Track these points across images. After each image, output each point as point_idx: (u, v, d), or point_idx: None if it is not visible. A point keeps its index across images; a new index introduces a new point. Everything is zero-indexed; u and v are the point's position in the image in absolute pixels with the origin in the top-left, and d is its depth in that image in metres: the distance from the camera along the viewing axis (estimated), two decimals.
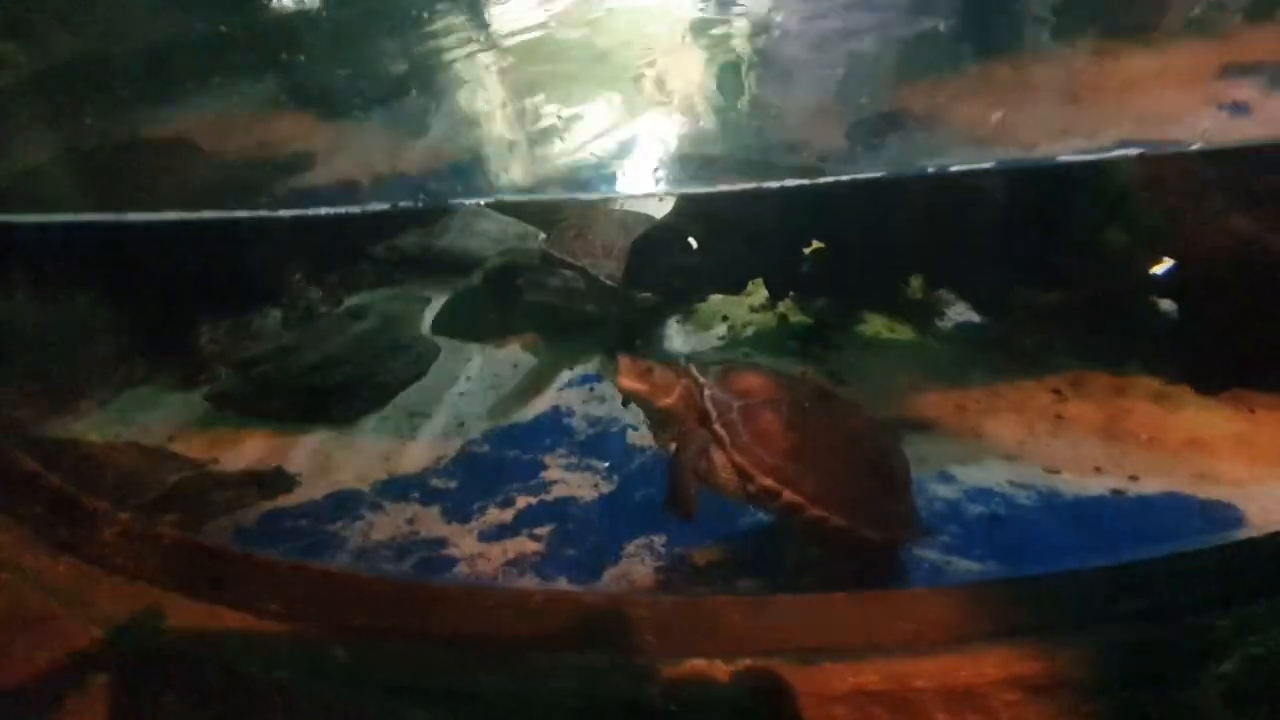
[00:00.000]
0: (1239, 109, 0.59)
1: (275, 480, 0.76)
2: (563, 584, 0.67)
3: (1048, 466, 0.68)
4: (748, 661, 0.38)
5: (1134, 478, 0.64)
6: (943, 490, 0.71)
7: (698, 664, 0.39)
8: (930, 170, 0.67)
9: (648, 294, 1.11)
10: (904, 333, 0.97)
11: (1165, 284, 0.71)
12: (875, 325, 0.99)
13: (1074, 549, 0.57)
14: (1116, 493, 0.64)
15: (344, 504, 0.78)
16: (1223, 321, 0.65)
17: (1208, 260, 0.60)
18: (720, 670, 0.39)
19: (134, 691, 0.46)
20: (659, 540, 0.71)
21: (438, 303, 1.22)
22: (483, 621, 0.46)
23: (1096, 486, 0.65)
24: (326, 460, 0.84)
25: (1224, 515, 0.60)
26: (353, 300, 1.23)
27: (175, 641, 0.47)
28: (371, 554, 0.70)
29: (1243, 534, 0.54)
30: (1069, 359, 0.80)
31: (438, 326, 1.17)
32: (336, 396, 0.94)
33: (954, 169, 0.66)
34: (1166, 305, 0.76)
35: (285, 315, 1.11)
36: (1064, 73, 0.61)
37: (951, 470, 0.73)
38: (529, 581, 0.67)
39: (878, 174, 0.68)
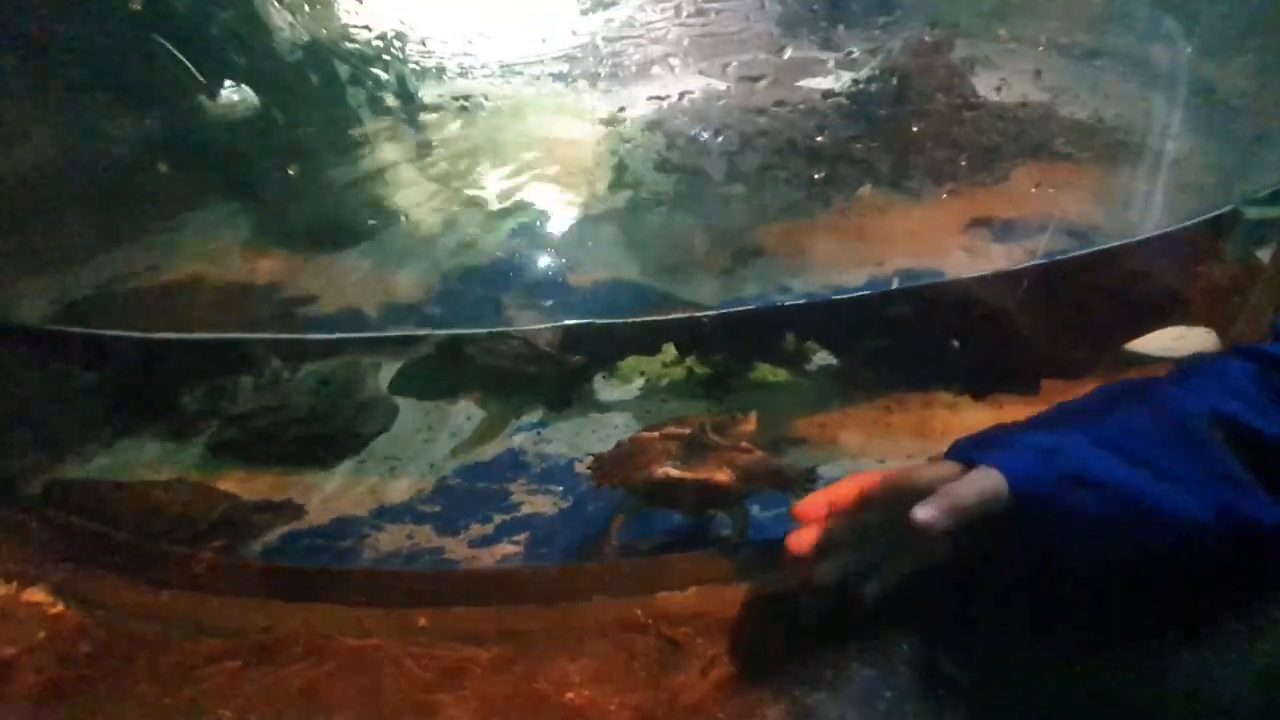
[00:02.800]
0: (972, 250, 0.96)
1: (288, 509, 0.91)
2: None
3: (879, 459, 0.99)
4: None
5: (933, 458, 0.96)
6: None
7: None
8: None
9: (578, 357, 1.36)
10: (783, 376, 1.28)
11: (954, 326, 1.06)
12: (762, 371, 1.30)
13: None
14: None
15: (349, 527, 0.94)
16: (986, 349, 1.00)
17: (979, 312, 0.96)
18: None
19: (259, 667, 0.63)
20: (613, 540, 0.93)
21: (388, 367, 1.40)
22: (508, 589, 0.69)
23: None
24: (323, 494, 1.01)
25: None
26: (308, 367, 1.39)
27: (283, 631, 0.65)
28: (385, 561, 0.88)
29: None
30: (895, 385, 1.13)
31: (394, 388, 1.35)
32: (321, 445, 1.10)
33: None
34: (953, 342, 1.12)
35: (255, 381, 1.26)
36: (864, 224, 0.97)
37: (818, 470, 1.01)
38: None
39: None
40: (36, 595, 0.70)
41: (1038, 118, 1.01)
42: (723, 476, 0.80)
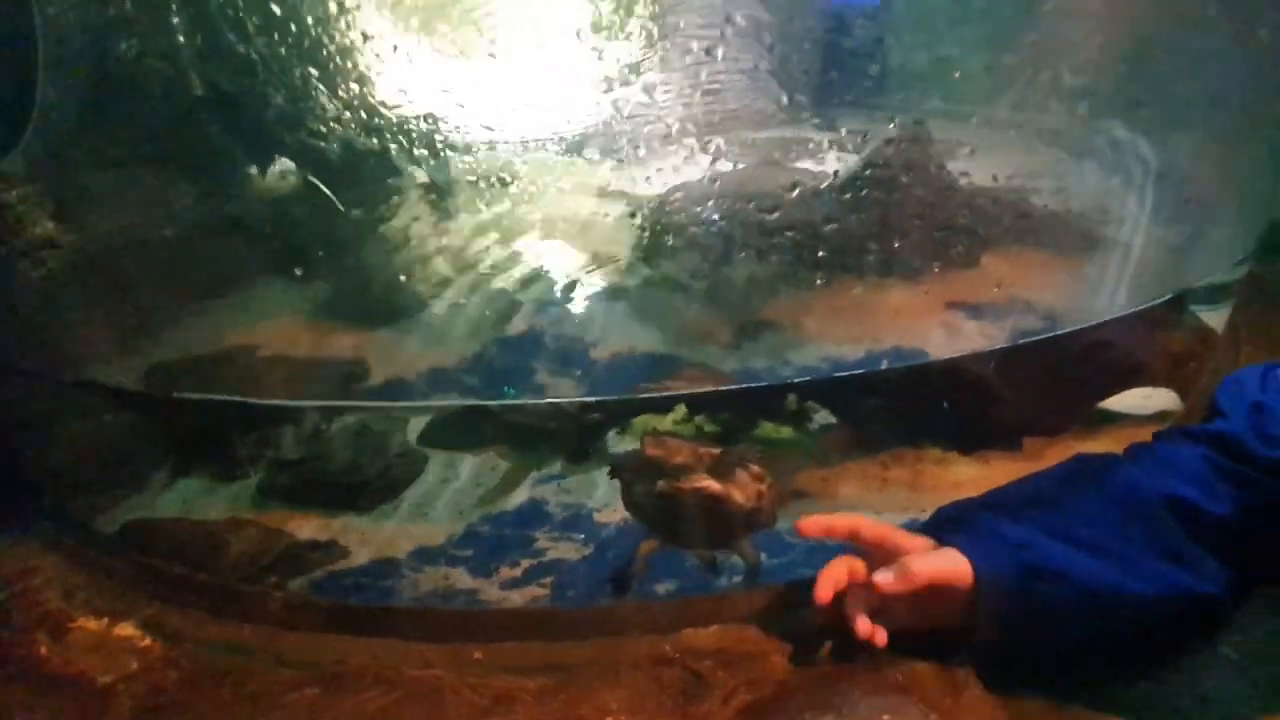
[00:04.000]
0: (952, 329, 1.09)
1: (335, 550, 1.01)
2: None
3: (875, 510, 1.09)
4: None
5: (923, 510, 1.06)
6: None
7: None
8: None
9: (595, 414, 1.46)
10: (786, 433, 1.39)
11: (943, 391, 1.17)
12: (766, 429, 1.41)
13: None
14: (914, 520, 1.06)
15: (388, 567, 1.04)
16: (971, 408, 1.11)
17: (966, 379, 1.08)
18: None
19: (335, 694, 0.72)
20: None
21: (416, 421, 1.50)
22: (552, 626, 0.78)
23: (902, 518, 1.06)
24: (363, 537, 1.10)
25: None
26: (343, 420, 1.49)
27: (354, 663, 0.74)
28: (425, 600, 0.97)
29: None
30: (891, 442, 1.24)
31: (423, 440, 1.45)
32: (360, 491, 1.20)
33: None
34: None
35: (296, 431, 1.36)
36: (856, 303, 1.10)
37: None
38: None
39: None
40: (126, 630, 0.79)
41: (1012, 207, 1.15)
42: (739, 495, 0.86)
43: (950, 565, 0.63)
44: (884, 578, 0.62)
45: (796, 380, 1.07)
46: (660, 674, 0.74)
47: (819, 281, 1.17)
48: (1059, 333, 0.97)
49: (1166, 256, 1.18)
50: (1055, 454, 1.12)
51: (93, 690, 0.74)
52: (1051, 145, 1.49)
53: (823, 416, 1.49)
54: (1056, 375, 1.05)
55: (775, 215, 1.25)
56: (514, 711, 0.70)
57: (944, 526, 0.69)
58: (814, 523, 0.69)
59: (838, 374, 1.05)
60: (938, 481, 1.13)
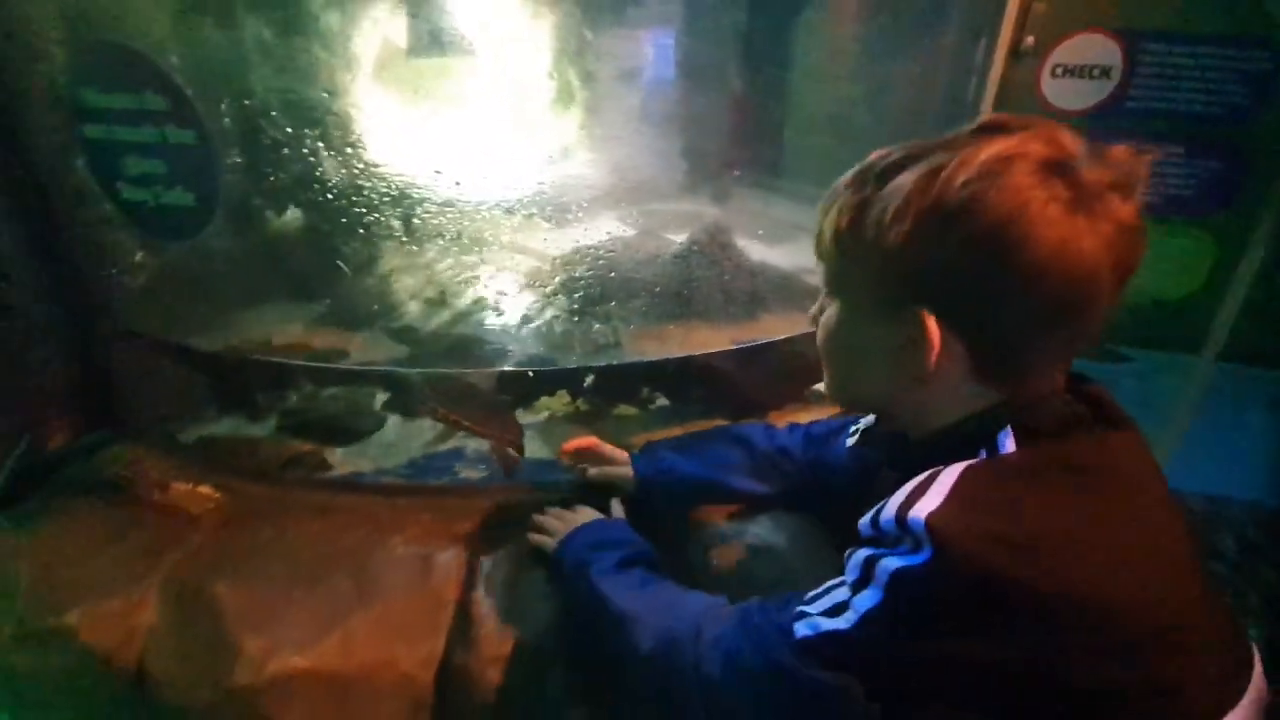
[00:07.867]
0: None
1: (325, 461, 1.68)
2: None
3: None
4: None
5: None
6: None
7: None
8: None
9: (505, 396, 2.13)
10: (634, 411, 2.07)
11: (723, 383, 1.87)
12: (622, 409, 2.09)
13: None
14: None
15: (359, 476, 1.71)
16: (742, 393, 1.81)
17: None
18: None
19: (319, 517, 1.40)
20: None
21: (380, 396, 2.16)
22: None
23: None
24: (341, 459, 1.78)
25: None
26: (330, 389, 2.16)
27: (332, 505, 1.42)
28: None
29: None
30: (696, 416, 1.93)
31: (384, 408, 2.12)
32: (340, 433, 1.87)
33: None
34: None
35: (297, 391, 2.03)
36: (675, 335, 1.79)
37: None
38: None
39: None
40: (205, 490, 1.47)
41: (785, 280, 1.84)
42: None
43: (625, 471, 1.31)
44: (571, 447, 1.30)
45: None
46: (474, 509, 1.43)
47: (654, 319, 1.85)
48: (767, 341, 1.66)
49: None
50: (784, 417, 1.83)
51: (189, 517, 1.41)
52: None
53: (661, 400, 2.19)
54: (778, 372, 1.75)
55: (636, 273, 1.93)
56: (416, 519, 1.38)
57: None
58: (571, 445, 1.33)
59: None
60: None
